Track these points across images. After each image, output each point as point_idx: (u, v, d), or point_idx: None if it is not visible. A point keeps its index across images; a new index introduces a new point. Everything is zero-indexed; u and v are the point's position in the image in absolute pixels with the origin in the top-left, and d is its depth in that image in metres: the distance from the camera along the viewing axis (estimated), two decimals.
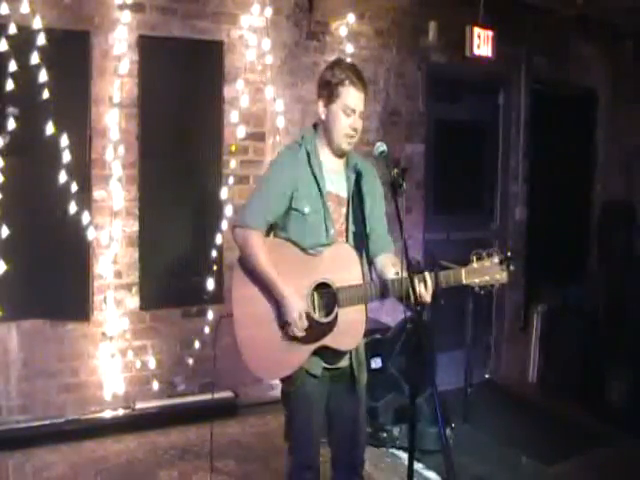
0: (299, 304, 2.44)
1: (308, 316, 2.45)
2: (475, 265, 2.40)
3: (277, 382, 4.43)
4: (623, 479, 4.07)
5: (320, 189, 2.53)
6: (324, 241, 2.51)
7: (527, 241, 5.95)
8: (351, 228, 2.57)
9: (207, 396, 4.43)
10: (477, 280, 2.39)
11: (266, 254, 2.49)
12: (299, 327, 2.43)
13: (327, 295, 2.47)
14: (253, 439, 4.15)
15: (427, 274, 2.38)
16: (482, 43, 5.10)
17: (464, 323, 4.85)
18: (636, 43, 6.28)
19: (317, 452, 2.62)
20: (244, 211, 2.59)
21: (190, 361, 4.41)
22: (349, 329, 2.47)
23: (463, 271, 2.40)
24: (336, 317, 2.45)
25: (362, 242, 2.56)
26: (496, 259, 2.39)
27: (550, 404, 5.28)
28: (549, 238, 5.97)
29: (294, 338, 2.46)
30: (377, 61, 5.02)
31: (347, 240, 2.56)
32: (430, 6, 5.11)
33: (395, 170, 2.37)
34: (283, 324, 2.47)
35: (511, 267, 2.40)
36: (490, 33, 5.12)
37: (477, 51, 5.09)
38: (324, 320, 2.46)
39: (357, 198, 2.57)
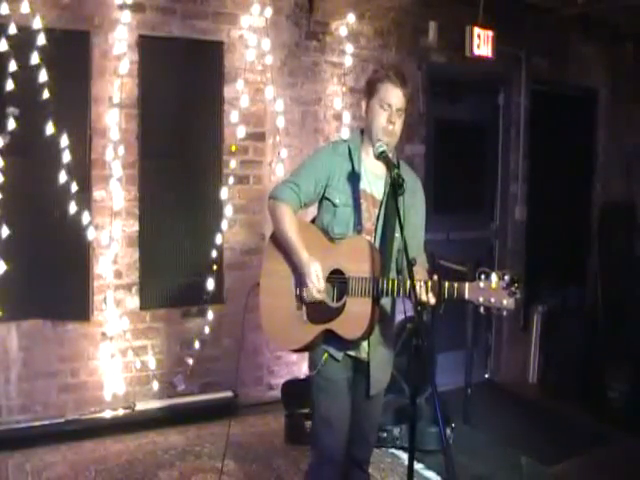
0: (316, 266, 2.48)
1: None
2: (481, 284, 2.31)
3: (277, 382, 4.55)
4: (623, 479, 4.07)
5: (355, 184, 2.57)
6: (351, 234, 2.56)
7: (527, 241, 5.95)
8: (380, 231, 2.58)
9: (207, 396, 4.45)
10: (481, 299, 2.32)
11: (293, 224, 2.57)
12: (317, 285, 2.47)
13: (339, 282, 2.52)
14: (253, 439, 4.15)
15: (429, 282, 2.36)
16: (482, 43, 5.09)
17: (464, 323, 4.85)
18: (636, 43, 6.28)
19: (339, 444, 2.56)
20: (278, 185, 2.70)
21: (190, 361, 4.41)
22: (354, 320, 2.49)
23: (467, 286, 2.32)
24: (344, 305, 2.49)
25: (387, 247, 2.56)
26: (504, 283, 2.28)
27: (550, 404, 5.28)
28: (549, 238, 5.97)
29: (308, 311, 2.52)
30: (377, 61, 5.00)
31: (374, 241, 2.57)
32: (430, 6, 5.10)
33: (395, 170, 2.37)
34: (300, 294, 2.53)
35: (517, 295, 2.29)
36: (490, 33, 5.10)
37: (477, 51, 5.08)
38: (333, 305, 2.51)
39: (393, 205, 2.51)
